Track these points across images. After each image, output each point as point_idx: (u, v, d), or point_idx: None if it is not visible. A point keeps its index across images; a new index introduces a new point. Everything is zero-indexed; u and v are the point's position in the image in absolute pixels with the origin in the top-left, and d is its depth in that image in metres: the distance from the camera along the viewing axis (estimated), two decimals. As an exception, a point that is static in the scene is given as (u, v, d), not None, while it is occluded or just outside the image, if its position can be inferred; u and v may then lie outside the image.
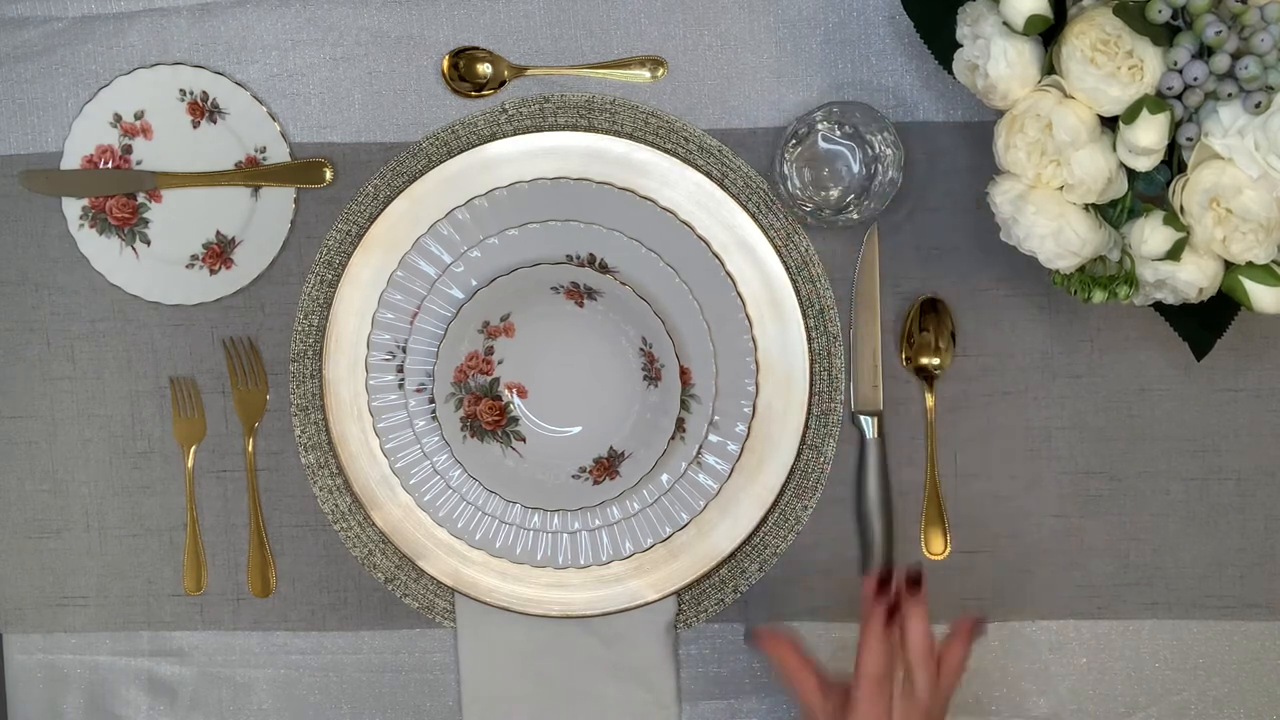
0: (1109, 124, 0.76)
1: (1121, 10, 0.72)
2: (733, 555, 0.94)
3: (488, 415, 0.93)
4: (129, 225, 0.95)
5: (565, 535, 0.93)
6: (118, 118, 0.94)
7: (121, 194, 0.94)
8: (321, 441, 0.95)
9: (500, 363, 0.93)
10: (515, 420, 0.94)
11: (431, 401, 0.93)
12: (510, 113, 0.94)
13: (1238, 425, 0.95)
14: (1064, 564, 0.95)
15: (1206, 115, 0.73)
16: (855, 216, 0.90)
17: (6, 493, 0.97)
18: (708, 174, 0.93)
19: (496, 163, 0.93)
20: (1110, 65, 0.73)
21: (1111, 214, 0.79)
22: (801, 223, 0.94)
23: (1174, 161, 0.76)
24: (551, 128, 0.94)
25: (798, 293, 0.93)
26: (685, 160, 0.93)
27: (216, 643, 0.96)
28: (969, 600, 0.95)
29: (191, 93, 0.94)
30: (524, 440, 0.94)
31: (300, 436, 0.95)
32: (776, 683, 0.90)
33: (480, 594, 0.94)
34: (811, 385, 0.93)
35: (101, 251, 0.95)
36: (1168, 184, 0.76)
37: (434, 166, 0.93)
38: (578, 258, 0.92)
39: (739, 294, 0.92)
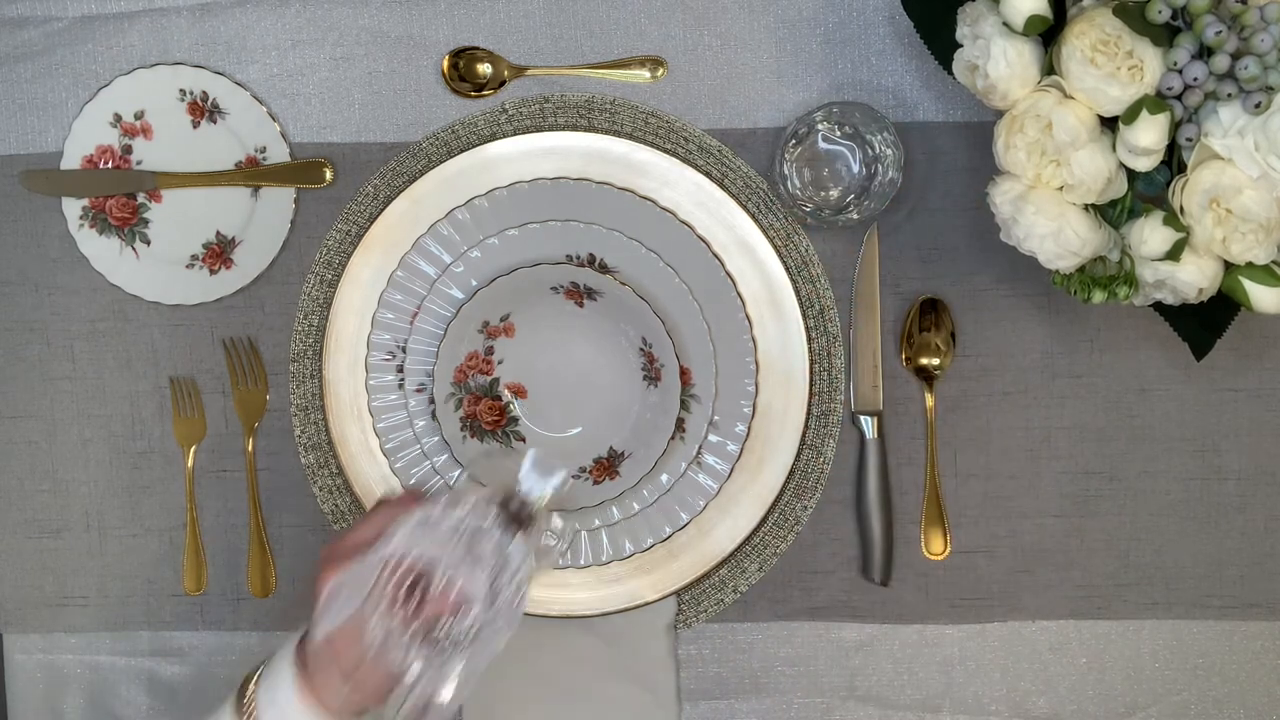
0: (1109, 124, 0.76)
1: (1121, 10, 0.72)
2: (733, 555, 0.94)
3: (488, 415, 0.93)
4: (129, 225, 0.95)
5: (565, 535, 0.93)
6: (118, 118, 0.94)
7: (121, 194, 0.94)
8: (321, 441, 0.95)
9: (500, 363, 0.93)
10: (515, 420, 0.94)
11: (431, 402, 0.93)
12: (510, 113, 0.94)
13: (1238, 425, 0.95)
14: (1064, 564, 0.95)
15: (1206, 115, 0.73)
16: (855, 216, 0.90)
17: (6, 493, 0.97)
18: (708, 174, 0.93)
19: (496, 163, 0.93)
20: (1110, 65, 0.73)
21: (1111, 214, 0.79)
22: (801, 223, 0.94)
23: (1174, 161, 0.76)
24: (551, 128, 0.94)
25: (798, 293, 0.93)
26: (685, 160, 0.93)
27: (216, 643, 0.96)
28: (969, 600, 0.95)
29: (191, 93, 0.94)
30: (524, 440, 0.94)
31: (300, 436, 0.95)
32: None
33: (480, 594, 0.94)
34: (811, 385, 0.93)
35: (101, 251, 0.95)
36: (1168, 184, 0.76)
37: (434, 166, 0.93)
38: (578, 258, 0.92)
39: (739, 294, 0.92)
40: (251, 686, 0.71)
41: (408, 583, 0.61)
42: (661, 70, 0.94)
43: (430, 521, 0.62)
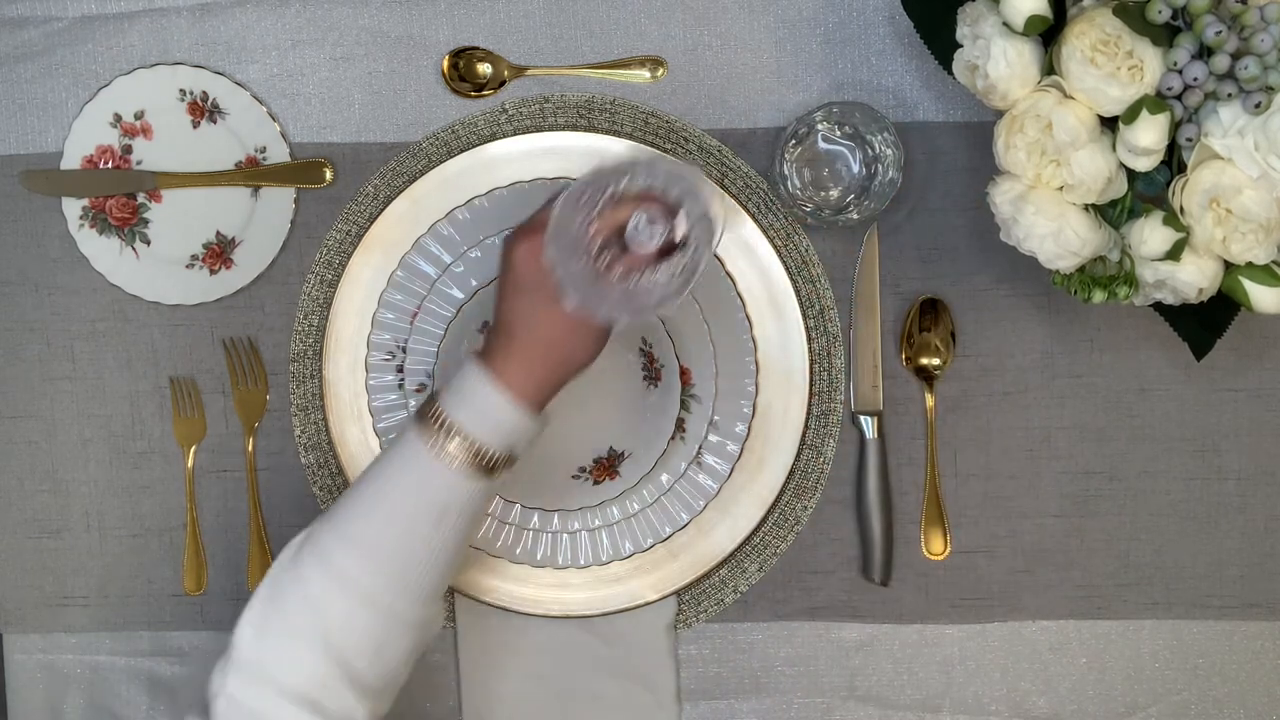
0: (1109, 124, 0.76)
1: (1121, 10, 0.72)
2: (733, 555, 0.94)
3: (488, 415, 0.93)
4: (129, 225, 0.95)
5: (565, 535, 0.93)
6: (118, 118, 0.94)
7: (121, 194, 0.94)
8: (321, 441, 0.95)
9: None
10: (515, 420, 0.94)
11: (431, 401, 0.93)
12: (510, 113, 0.94)
13: (1238, 425, 0.95)
14: (1064, 564, 0.95)
15: (1206, 115, 0.73)
16: (855, 216, 0.90)
17: (6, 493, 0.97)
18: (707, 174, 0.93)
19: (496, 163, 0.93)
20: (1110, 65, 0.73)
21: (1111, 214, 0.79)
22: (801, 223, 0.94)
23: (1174, 161, 0.76)
24: (551, 128, 0.94)
25: (798, 293, 0.93)
26: (685, 160, 0.93)
27: (216, 643, 0.96)
28: (969, 600, 0.95)
29: (191, 93, 0.94)
30: (524, 440, 0.94)
31: (300, 436, 0.95)
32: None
33: (480, 594, 0.94)
34: (811, 385, 0.93)
35: (101, 251, 0.95)
36: (1168, 184, 0.76)
37: (434, 166, 0.93)
38: (578, 258, 0.92)
39: (739, 294, 0.92)
40: (435, 402, 0.72)
41: (605, 234, 0.66)
42: (661, 70, 0.94)
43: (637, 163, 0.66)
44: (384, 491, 0.71)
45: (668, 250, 0.67)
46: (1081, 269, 0.80)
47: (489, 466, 0.71)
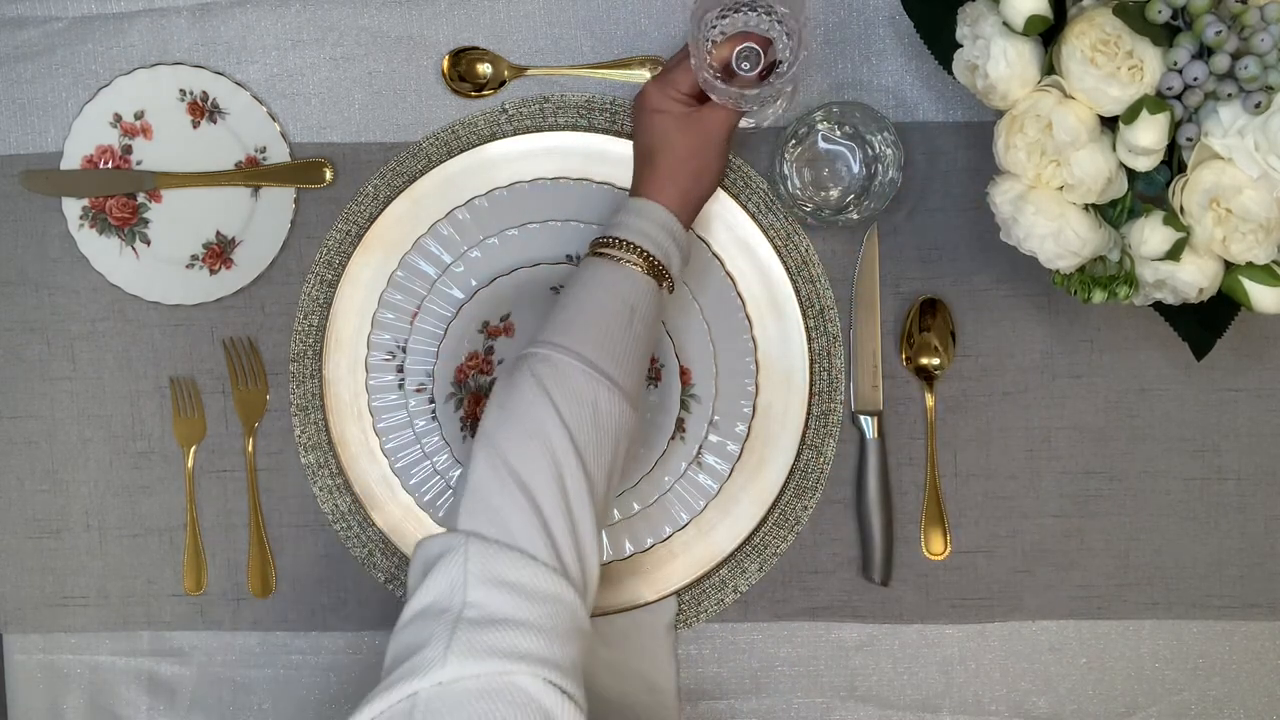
0: (1109, 124, 0.76)
1: (1121, 10, 0.72)
2: (733, 555, 0.94)
3: (488, 415, 0.93)
4: (129, 225, 0.95)
5: (565, 535, 0.93)
6: (118, 118, 0.94)
7: (121, 194, 0.94)
8: (321, 441, 0.95)
9: (500, 363, 0.93)
10: (515, 420, 0.94)
11: (431, 401, 0.93)
12: (510, 113, 0.94)
13: (1238, 425, 0.95)
14: (1064, 564, 0.95)
15: (1206, 115, 0.73)
16: (855, 216, 0.90)
17: (6, 493, 0.97)
18: (708, 174, 0.93)
19: (496, 163, 0.93)
20: (1110, 65, 0.73)
21: (1111, 214, 0.79)
22: (801, 223, 0.94)
23: (1174, 161, 0.76)
24: (551, 128, 0.94)
25: (798, 293, 0.93)
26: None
27: (216, 643, 0.96)
28: (969, 600, 0.95)
29: (191, 93, 0.94)
30: (524, 440, 0.94)
31: (300, 436, 0.95)
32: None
33: (480, 594, 0.93)
34: (811, 385, 0.93)
35: (101, 251, 0.95)
36: (1168, 184, 0.76)
37: (434, 166, 0.93)
38: (578, 258, 0.92)
39: (739, 294, 0.92)
40: (604, 234, 0.81)
41: (718, 64, 0.81)
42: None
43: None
44: (580, 299, 0.79)
45: (770, 70, 0.81)
46: (1081, 269, 0.80)
47: (660, 273, 0.80)
